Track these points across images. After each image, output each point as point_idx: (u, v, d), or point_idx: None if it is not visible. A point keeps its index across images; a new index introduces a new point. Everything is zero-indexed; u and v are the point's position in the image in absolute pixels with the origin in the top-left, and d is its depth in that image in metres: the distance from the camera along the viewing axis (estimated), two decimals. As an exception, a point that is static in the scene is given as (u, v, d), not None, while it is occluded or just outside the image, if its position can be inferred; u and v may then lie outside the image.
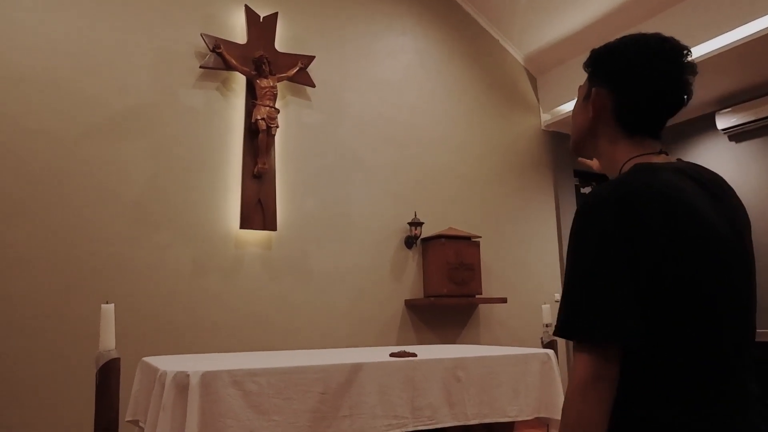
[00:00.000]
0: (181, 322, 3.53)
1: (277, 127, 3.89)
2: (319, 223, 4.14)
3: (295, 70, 4.05)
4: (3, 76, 3.24)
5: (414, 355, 2.26)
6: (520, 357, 2.46)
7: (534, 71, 5.39)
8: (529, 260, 5.12)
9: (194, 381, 1.70)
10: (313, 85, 4.18)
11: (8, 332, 3.07)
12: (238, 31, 4.01)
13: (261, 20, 4.04)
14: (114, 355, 1.86)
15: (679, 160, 1.07)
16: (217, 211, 3.78)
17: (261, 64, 3.84)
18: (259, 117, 3.82)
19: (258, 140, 3.83)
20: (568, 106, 5.06)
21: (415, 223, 4.44)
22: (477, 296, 4.50)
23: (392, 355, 2.21)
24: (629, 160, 1.05)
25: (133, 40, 3.64)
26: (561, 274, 5.21)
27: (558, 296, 4.88)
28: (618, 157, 1.07)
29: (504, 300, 4.65)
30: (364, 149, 4.41)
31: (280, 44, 4.11)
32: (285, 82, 4.04)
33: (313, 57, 4.18)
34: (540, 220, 5.28)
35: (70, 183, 3.35)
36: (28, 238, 3.19)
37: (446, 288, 4.33)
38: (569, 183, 5.43)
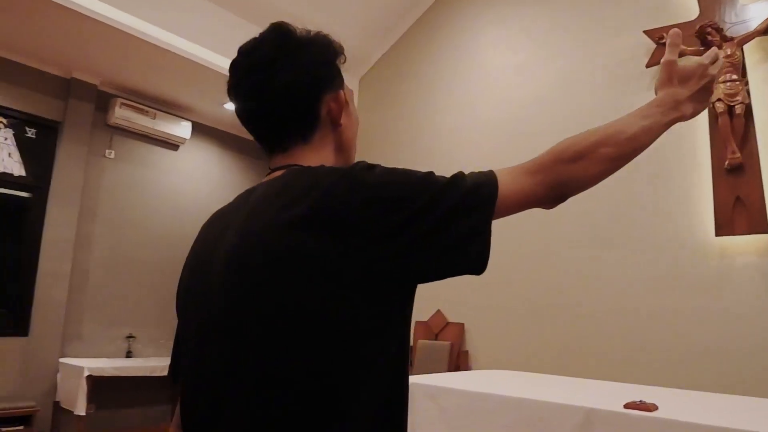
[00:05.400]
0: (631, 343, 3.31)
1: (742, 104, 3.04)
2: None
3: (763, 22, 3.04)
4: (480, 125, 4.26)
5: (653, 408, 1.53)
6: None
7: None
8: None
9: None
10: (804, 28, 2.99)
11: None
12: (688, 5, 3.42)
13: (712, -20, 3.30)
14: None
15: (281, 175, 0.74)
16: (680, 218, 3.30)
17: (705, 35, 3.16)
18: (714, 99, 3.12)
19: (719, 126, 3.13)
20: None
21: None
22: None
23: (627, 406, 1.58)
24: None
25: (579, 68, 3.82)
26: None
27: None
28: None
29: None
30: None
31: (747, -5, 3.20)
32: (757, 41, 3.10)
33: (799, -11, 3.00)
34: None
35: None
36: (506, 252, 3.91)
37: None
38: None
